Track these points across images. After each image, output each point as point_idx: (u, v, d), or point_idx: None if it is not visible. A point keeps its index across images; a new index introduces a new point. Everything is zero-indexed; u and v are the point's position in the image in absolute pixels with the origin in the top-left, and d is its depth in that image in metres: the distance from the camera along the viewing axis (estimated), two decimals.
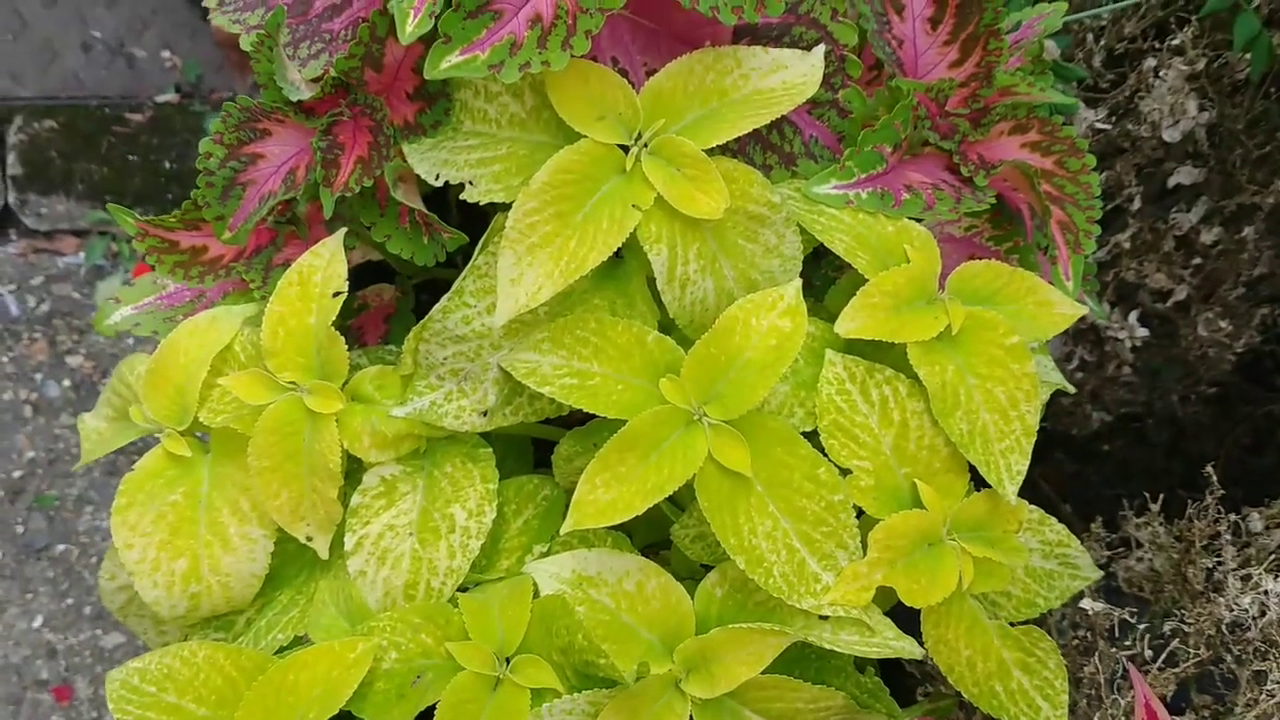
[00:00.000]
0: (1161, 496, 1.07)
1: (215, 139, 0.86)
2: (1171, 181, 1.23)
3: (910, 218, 0.85)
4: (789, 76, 0.80)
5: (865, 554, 0.73)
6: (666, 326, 0.80)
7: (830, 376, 0.77)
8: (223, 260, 0.93)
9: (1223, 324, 1.26)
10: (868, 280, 0.78)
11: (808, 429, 0.76)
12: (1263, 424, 1.67)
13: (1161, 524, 1.05)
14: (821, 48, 0.81)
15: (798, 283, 0.76)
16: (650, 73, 0.84)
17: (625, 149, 0.77)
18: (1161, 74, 1.14)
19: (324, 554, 0.80)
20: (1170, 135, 1.16)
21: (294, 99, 0.81)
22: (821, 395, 0.76)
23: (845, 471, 0.75)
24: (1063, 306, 0.82)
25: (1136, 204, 1.25)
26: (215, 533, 0.81)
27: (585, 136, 0.76)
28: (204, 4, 0.88)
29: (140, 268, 2.22)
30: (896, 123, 0.86)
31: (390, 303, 1.02)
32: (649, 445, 0.72)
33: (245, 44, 0.84)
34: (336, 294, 0.80)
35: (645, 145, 0.77)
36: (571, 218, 0.75)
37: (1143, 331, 1.24)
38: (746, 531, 0.71)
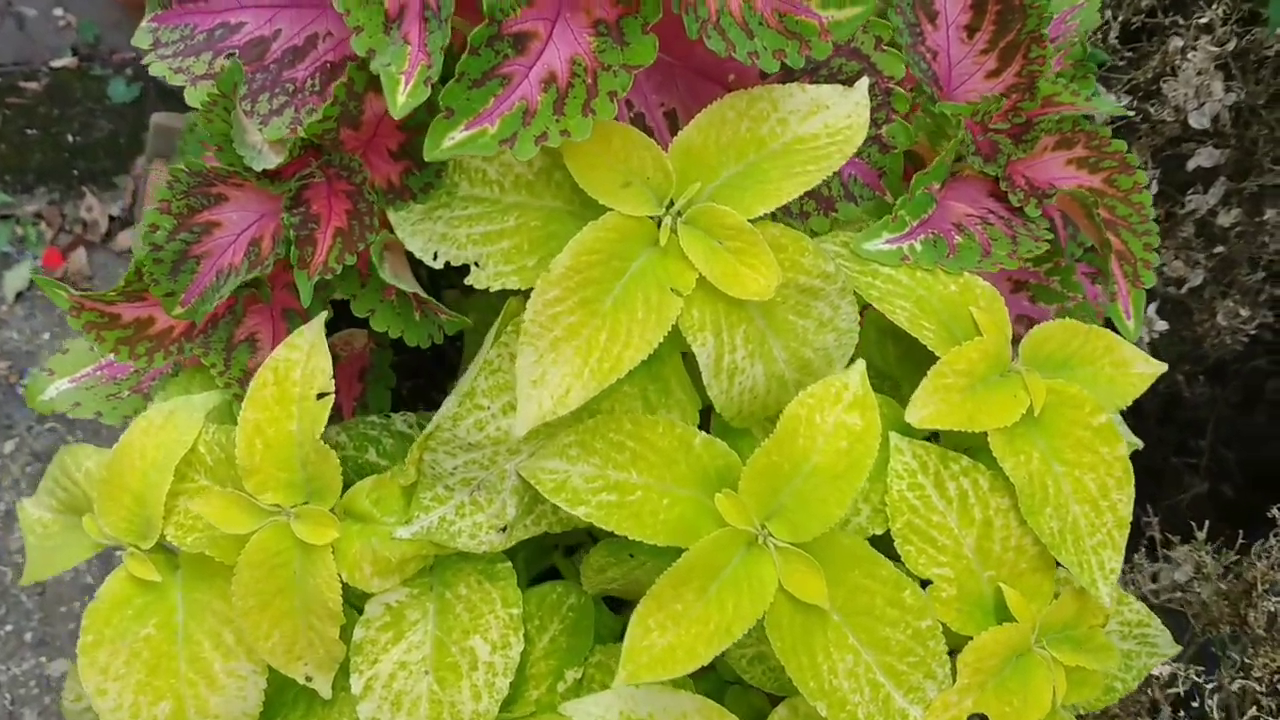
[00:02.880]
0: (1206, 524, 1.00)
1: (161, 208, 0.73)
2: (1191, 164, 1.15)
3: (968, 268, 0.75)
4: (831, 118, 0.69)
5: (953, 678, 0.64)
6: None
7: (899, 468, 0.68)
8: (173, 334, 0.81)
9: (1242, 311, 1.19)
10: (936, 354, 0.68)
11: (877, 532, 0.67)
12: (1251, 380, 1.62)
13: (1210, 554, 0.99)
14: (865, 82, 0.71)
15: (861, 366, 0.66)
16: (669, 114, 0.73)
17: (656, 218, 0.66)
18: (1189, 55, 1.05)
19: (326, 694, 0.70)
20: (1197, 120, 1.07)
21: (258, 168, 0.68)
22: (892, 492, 0.67)
23: (924, 582, 0.66)
24: (1139, 365, 0.74)
25: (1154, 188, 1.16)
26: (198, 670, 0.70)
27: (607, 205, 0.65)
28: (135, 42, 0.74)
29: (50, 254, 2.04)
30: (949, 159, 0.76)
31: (364, 353, 0.90)
32: (707, 575, 0.62)
33: (192, 98, 0.71)
34: (321, 395, 0.68)
35: (679, 214, 0.66)
36: (599, 304, 0.64)
37: (1162, 325, 1.17)
38: (825, 671, 0.62)
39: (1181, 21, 1.07)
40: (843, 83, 0.71)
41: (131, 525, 0.73)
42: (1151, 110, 1.09)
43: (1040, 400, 0.69)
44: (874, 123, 0.74)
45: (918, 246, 0.74)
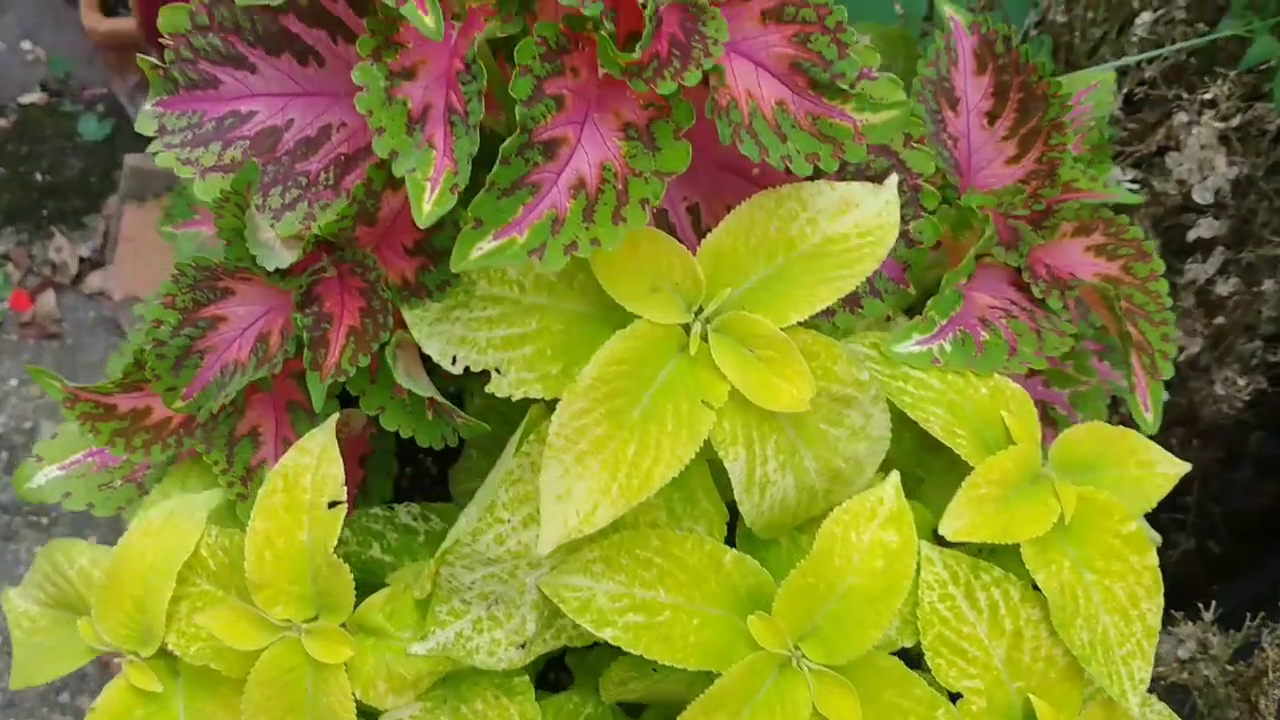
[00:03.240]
0: (1214, 605, 0.99)
1: (166, 302, 0.70)
2: (1192, 235, 1.15)
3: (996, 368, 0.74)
4: (861, 217, 0.68)
5: None
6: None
7: (930, 579, 0.66)
8: (171, 425, 0.78)
9: (1240, 380, 1.19)
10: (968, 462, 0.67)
11: (907, 644, 0.66)
12: (1235, 435, 1.62)
13: (1215, 633, 0.98)
14: (894, 179, 0.69)
15: (896, 479, 0.65)
16: (692, 208, 0.71)
17: (685, 325, 0.64)
18: (1193, 130, 1.04)
19: None
20: (1201, 195, 1.07)
21: (270, 267, 0.65)
22: (923, 604, 0.65)
23: (955, 695, 0.65)
24: (1164, 466, 0.73)
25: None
26: None
27: (634, 312, 0.63)
28: (139, 128, 0.71)
29: (18, 297, 1.99)
30: (975, 255, 0.75)
31: (363, 436, 0.87)
32: (740, 700, 0.60)
33: (201, 192, 0.68)
34: (333, 504, 0.66)
35: (709, 320, 0.64)
36: (627, 415, 0.62)
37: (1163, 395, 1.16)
38: None
39: (1185, 95, 1.07)
40: (871, 179, 0.70)
41: (131, 632, 0.70)
42: (1155, 183, 1.09)
43: (1071, 509, 0.67)
44: (902, 218, 0.72)
45: (947, 347, 0.72)
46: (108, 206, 2.04)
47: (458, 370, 0.65)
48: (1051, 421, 0.87)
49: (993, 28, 0.81)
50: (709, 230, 0.70)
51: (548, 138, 0.59)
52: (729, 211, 0.71)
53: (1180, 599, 1.10)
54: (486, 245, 0.58)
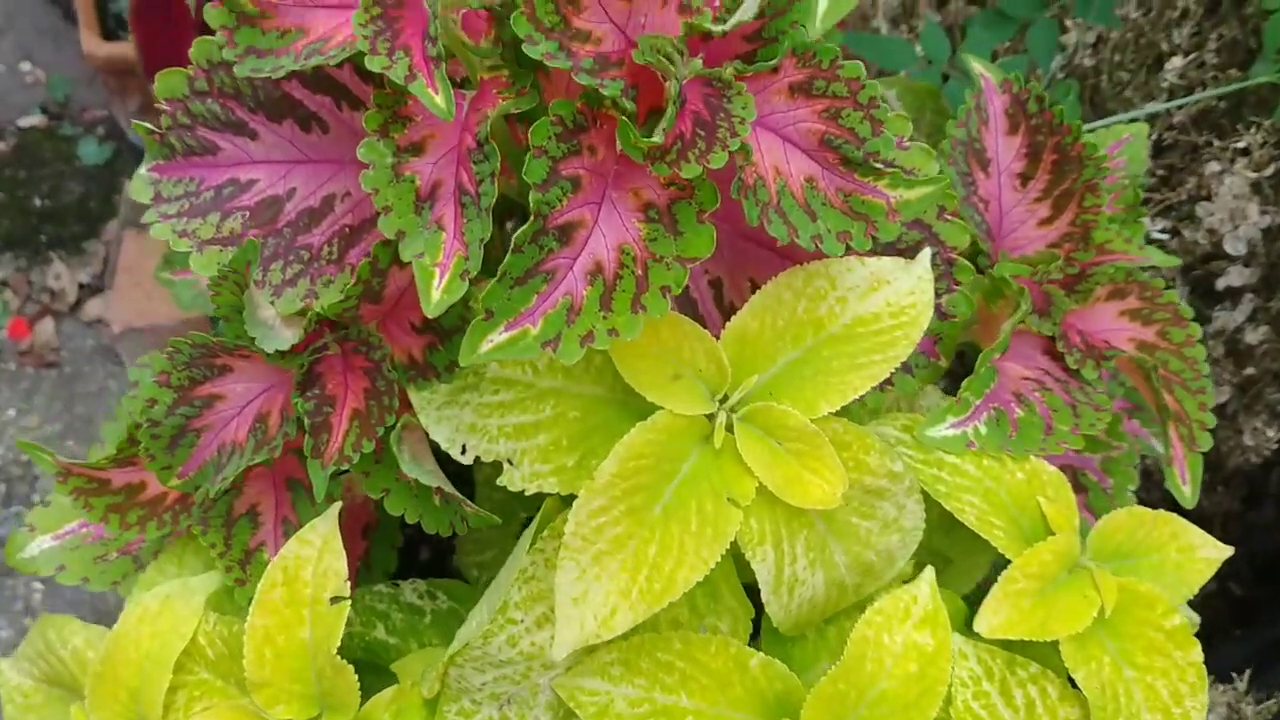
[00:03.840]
0: (1248, 672, 0.96)
1: (160, 380, 0.67)
2: (1221, 283, 1.11)
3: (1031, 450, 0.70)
4: (893, 294, 0.64)
5: None
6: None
7: (964, 675, 0.62)
8: (166, 501, 0.74)
9: (1269, 431, 1.15)
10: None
11: None
12: (1255, 475, 1.59)
13: (1250, 703, 0.94)
14: (927, 253, 0.66)
15: (930, 576, 0.61)
16: (714, 282, 0.68)
17: (709, 415, 0.60)
18: (1225, 179, 1.01)
19: None
20: (1233, 246, 1.03)
21: (269, 348, 0.62)
22: (956, 702, 0.62)
23: None
24: (1205, 550, 0.70)
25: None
26: None
27: (655, 402, 0.60)
28: (133, 194, 0.67)
29: (16, 325, 1.96)
30: (1013, 328, 0.72)
31: (365, 504, 0.83)
32: None
33: (198, 266, 0.65)
34: (336, 599, 0.62)
35: (734, 410, 0.60)
36: (648, 512, 0.58)
37: None
38: None
39: (1217, 142, 1.03)
40: (902, 253, 0.66)
41: None
42: (1185, 232, 1.05)
43: (1112, 601, 0.64)
44: (935, 292, 0.69)
45: (982, 429, 0.69)
46: (107, 232, 2.01)
47: (468, 460, 0.61)
48: (1082, 488, 0.84)
49: (1024, 87, 0.78)
50: (732, 305, 0.67)
51: (564, 222, 0.56)
52: (752, 285, 0.68)
53: (1203, 643, 1.06)
54: (498, 337, 0.54)
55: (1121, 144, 0.89)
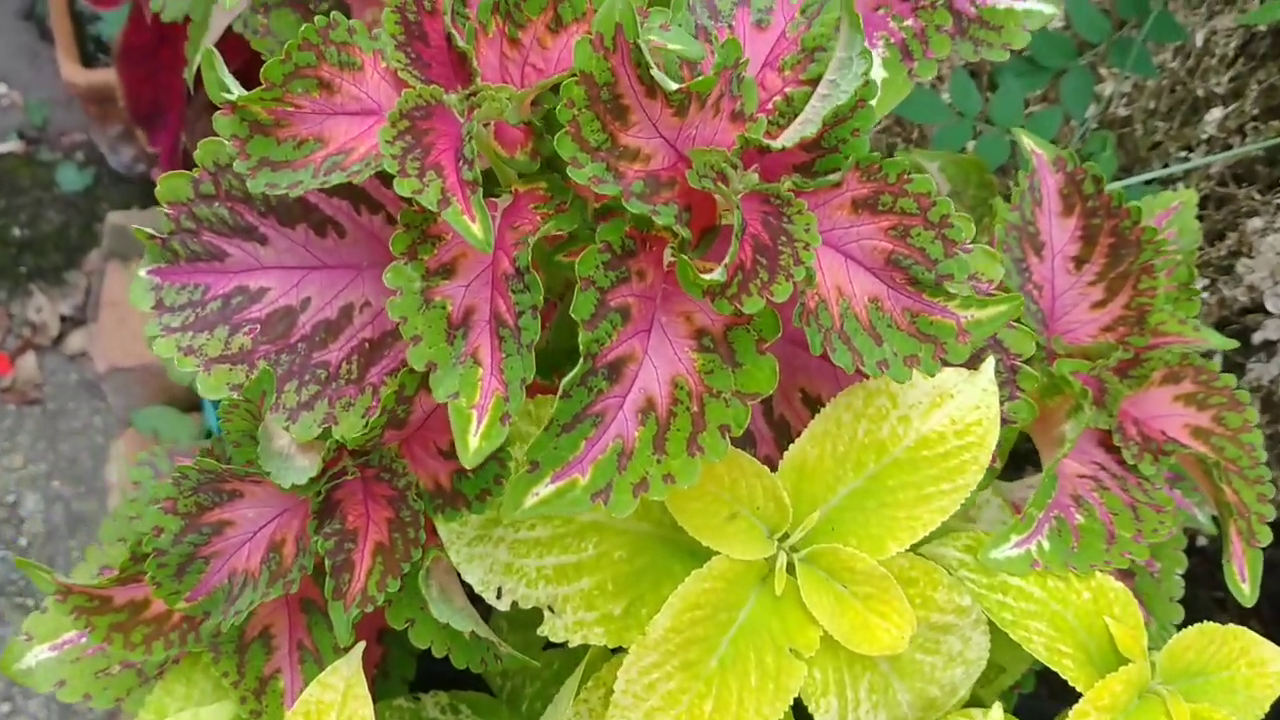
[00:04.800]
0: None
1: (166, 507, 0.62)
2: (1258, 337, 1.07)
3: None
4: (956, 409, 0.60)
5: None
6: None
7: None
8: (172, 619, 0.69)
9: None
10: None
11: None
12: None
13: None
14: (991, 363, 0.61)
15: (999, 713, 0.57)
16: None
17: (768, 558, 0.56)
18: (1268, 237, 0.97)
19: None
20: (1275, 305, 0.99)
21: (286, 483, 0.57)
22: None
23: None
24: (1276, 664, 0.65)
25: (1217, 360, 1.08)
26: None
27: (711, 546, 0.55)
28: (132, 301, 0.62)
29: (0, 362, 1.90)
30: (1077, 432, 0.67)
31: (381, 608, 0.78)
32: None
33: (206, 388, 0.59)
34: None
35: (795, 549, 0.56)
36: (703, 665, 0.54)
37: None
38: None
39: (1258, 196, 0.99)
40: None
41: None
42: (1224, 288, 1.01)
43: None
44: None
45: (1045, 544, 0.65)
46: (89, 262, 1.95)
47: (504, 606, 0.57)
48: (1129, 573, 0.80)
49: (1079, 166, 0.73)
50: (783, 419, 0.63)
51: (613, 358, 0.51)
52: (804, 396, 0.63)
53: None
54: (543, 490, 0.50)
55: (1170, 212, 0.85)
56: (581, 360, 0.49)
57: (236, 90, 0.54)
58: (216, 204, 0.61)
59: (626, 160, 0.51)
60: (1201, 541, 1.17)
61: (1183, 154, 1.02)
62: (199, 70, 0.59)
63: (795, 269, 0.50)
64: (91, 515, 1.82)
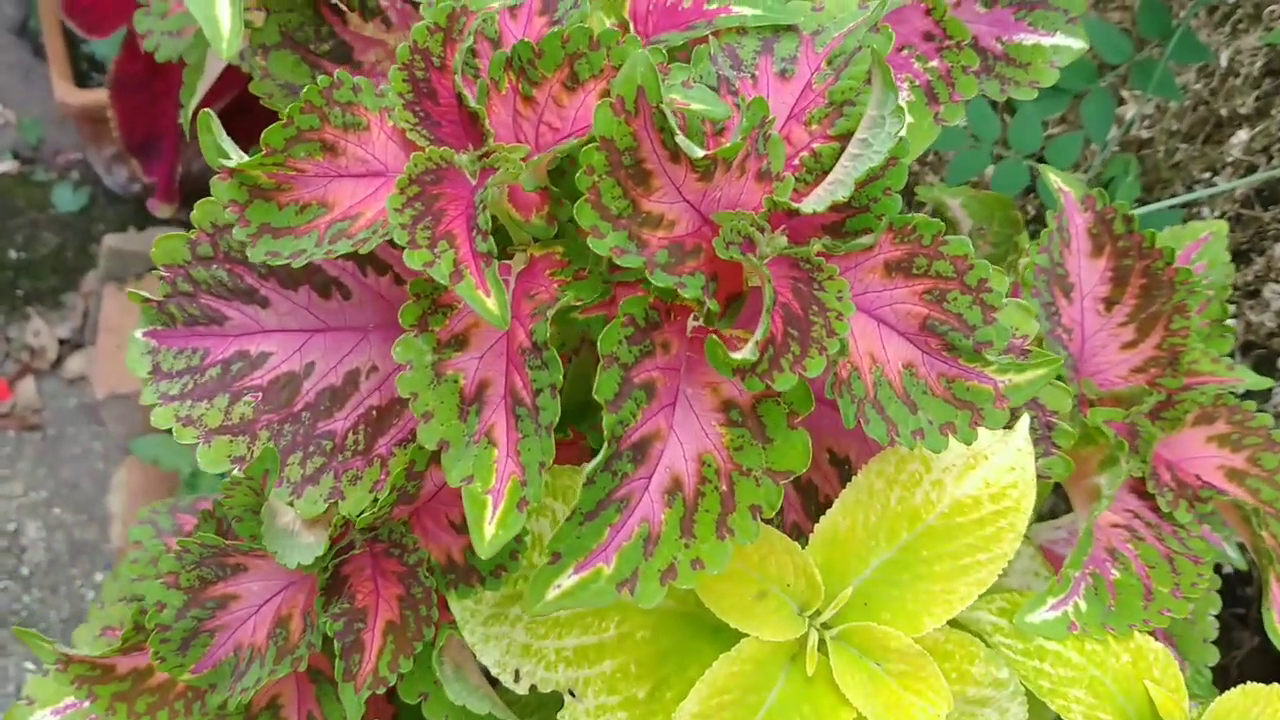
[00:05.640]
0: None
1: (169, 581, 0.59)
2: None
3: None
4: (991, 472, 0.58)
5: None
6: None
7: None
8: (177, 689, 0.67)
9: None
10: None
11: None
12: None
13: None
14: (1025, 421, 0.59)
15: None
16: None
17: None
18: None
19: None
20: None
21: (291, 563, 0.54)
22: None
23: None
24: None
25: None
26: None
27: (739, 628, 0.52)
28: (129, 366, 0.60)
29: None
30: (1115, 486, 0.65)
31: None
32: None
33: (206, 461, 0.57)
34: None
35: (827, 626, 0.53)
36: None
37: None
38: None
39: None
40: None
41: None
42: (1250, 314, 0.99)
43: None
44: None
45: (1082, 604, 0.62)
46: (86, 283, 1.92)
47: (522, 689, 0.54)
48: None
49: (1109, 205, 0.71)
50: (810, 483, 0.60)
51: (638, 438, 0.49)
52: (831, 456, 0.61)
53: None
54: (566, 582, 0.47)
55: (1200, 244, 0.82)
56: (605, 444, 0.47)
57: (235, 155, 0.51)
58: (215, 266, 0.58)
59: (649, 227, 0.49)
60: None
61: (1206, 174, 1.00)
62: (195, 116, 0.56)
63: (828, 341, 0.48)
64: (93, 543, 1.79)
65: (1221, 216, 1.00)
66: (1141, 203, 1.00)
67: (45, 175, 1.99)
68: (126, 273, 1.79)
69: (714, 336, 0.46)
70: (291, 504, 0.56)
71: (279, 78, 0.71)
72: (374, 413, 0.58)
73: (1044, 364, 0.53)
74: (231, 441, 0.57)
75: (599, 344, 0.47)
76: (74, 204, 1.96)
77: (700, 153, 0.46)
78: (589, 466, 0.46)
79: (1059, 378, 0.61)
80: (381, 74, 0.72)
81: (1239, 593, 1.53)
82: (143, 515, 0.78)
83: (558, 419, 0.47)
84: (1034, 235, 0.97)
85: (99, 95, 1.72)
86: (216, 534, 0.61)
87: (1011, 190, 0.94)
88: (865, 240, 0.51)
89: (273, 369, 0.59)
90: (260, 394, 0.58)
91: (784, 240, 0.50)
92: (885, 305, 0.52)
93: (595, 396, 0.46)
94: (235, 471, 0.56)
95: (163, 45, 0.79)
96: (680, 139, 0.46)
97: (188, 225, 0.59)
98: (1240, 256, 1.01)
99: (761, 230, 0.50)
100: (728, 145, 0.46)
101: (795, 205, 0.49)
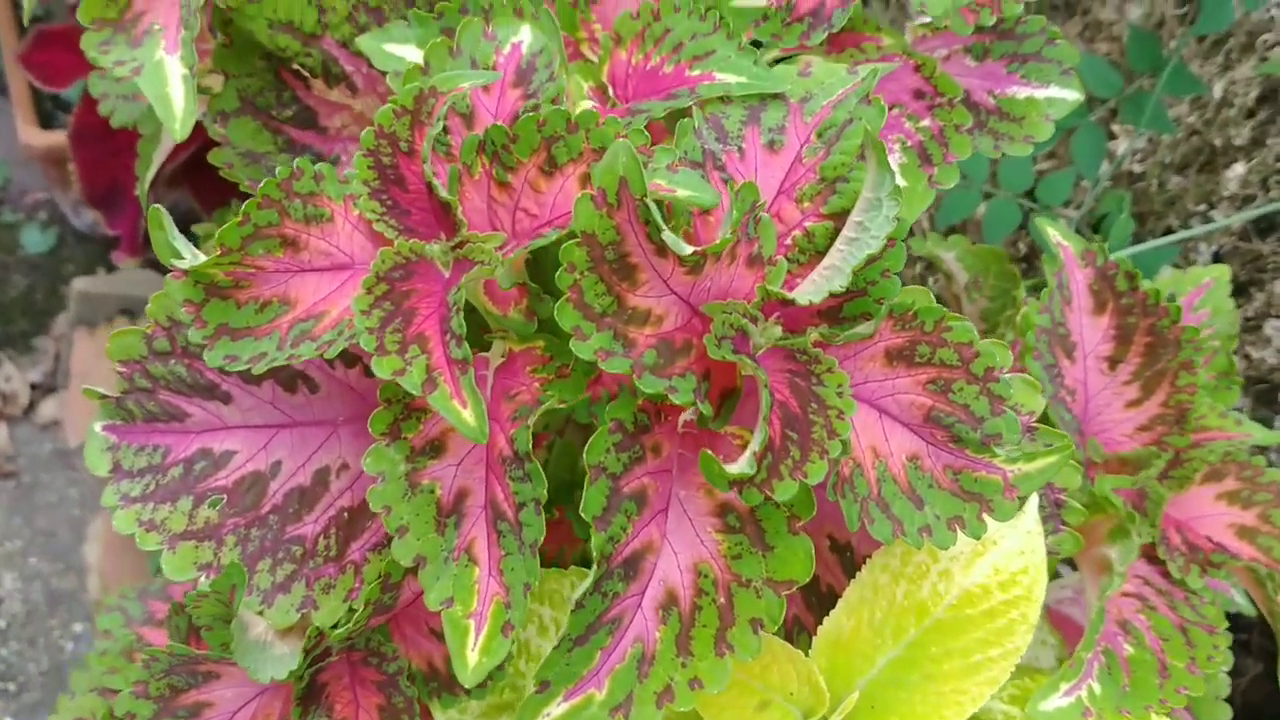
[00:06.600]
0: None
1: (137, 690, 0.56)
2: None
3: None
4: (1000, 557, 0.55)
5: None
6: None
7: None
8: None
9: None
10: None
11: None
12: None
13: None
14: (1034, 502, 0.56)
15: None
16: None
17: None
18: None
19: None
20: None
21: (264, 678, 0.51)
22: None
23: None
24: None
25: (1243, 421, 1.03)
26: None
27: None
28: (89, 464, 0.56)
29: None
30: (1128, 563, 0.62)
31: None
32: None
33: (172, 568, 0.53)
34: None
35: None
36: None
37: None
38: None
39: None
40: None
41: None
42: (1252, 349, 0.96)
43: None
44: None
45: (1095, 687, 0.59)
46: (56, 326, 1.88)
47: None
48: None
49: (1109, 260, 0.68)
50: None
51: (629, 554, 0.45)
52: (832, 543, 0.58)
53: None
54: (556, 710, 0.44)
55: (1202, 290, 0.79)
56: (595, 564, 0.44)
57: (189, 255, 0.48)
58: (173, 361, 0.55)
59: (636, 324, 0.45)
60: None
61: (1201, 207, 0.97)
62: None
63: (830, 443, 0.45)
64: (71, 592, 1.75)
65: (1219, 250, 0.97)
66: (1136, 237, 0.98)
67: (13, 216, 1.95)
68: (97, 316, 1.74)
69: (707, 451, 0.42)
70: (262, 613, 0.53)
71: (239, 145, 0.68)
72: (345, 515, 0.55)
73: (1055, 451, 0.50)
74: (197, 547, 0.54)
75: (585, 455, 0.44)
76: (43, 244, 1.91)
77: (689, 250, 0.43)
78: (578, 591, 0.43)
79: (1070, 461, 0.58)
80: (349, 138, 0.69)
81: (1241, 619, 1.50)
82: (110, 602, 0.75)
83: (542, 536, 0.44)
84: (1026, 273, 0.95)
85: (63, 136, 1.67)
86: (188, 628, 0.58)
87: (1004, 231, 0.91)
88: (864, 329, 0.47)
89: (237, 468, 0.55)
90: (225, 495, 0.55)
91: (779, 330, 0.47)
92: (888, 395, 0.49)
93: (582, 513, 0.43)
94: (202, 579, 0.52)
95: (118, 110, 0.75)
96: (667, 235, 0.43)
97: (157, 265, 0.56)
98: (1239, 290, 0.98)
99: (754, 320, 0.47)
100: (717, 242, 0.43)
101: (790, 296, 0.46)
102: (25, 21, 0.56)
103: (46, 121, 1.74)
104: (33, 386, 1.85)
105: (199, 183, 0.96)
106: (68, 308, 1.83)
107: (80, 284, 1.74)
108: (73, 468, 1.80)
